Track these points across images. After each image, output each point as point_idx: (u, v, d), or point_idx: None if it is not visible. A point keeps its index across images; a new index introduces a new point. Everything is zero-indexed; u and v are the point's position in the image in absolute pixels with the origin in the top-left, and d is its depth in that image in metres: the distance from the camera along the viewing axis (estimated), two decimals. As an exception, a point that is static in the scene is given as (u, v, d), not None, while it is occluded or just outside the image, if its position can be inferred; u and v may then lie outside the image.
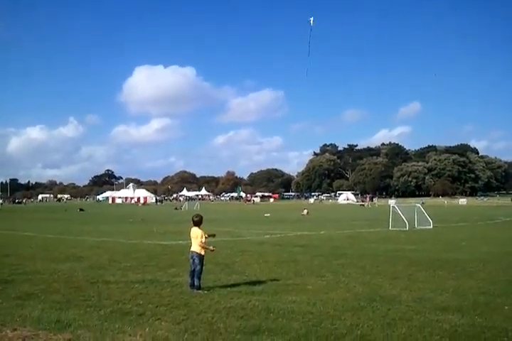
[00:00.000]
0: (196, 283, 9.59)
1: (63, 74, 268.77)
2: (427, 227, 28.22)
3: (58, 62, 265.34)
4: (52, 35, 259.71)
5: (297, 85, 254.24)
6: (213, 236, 10.57)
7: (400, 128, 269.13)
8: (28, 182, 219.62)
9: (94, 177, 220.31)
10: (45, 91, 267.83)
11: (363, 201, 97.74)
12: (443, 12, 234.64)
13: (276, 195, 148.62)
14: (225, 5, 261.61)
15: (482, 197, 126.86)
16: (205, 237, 9.84)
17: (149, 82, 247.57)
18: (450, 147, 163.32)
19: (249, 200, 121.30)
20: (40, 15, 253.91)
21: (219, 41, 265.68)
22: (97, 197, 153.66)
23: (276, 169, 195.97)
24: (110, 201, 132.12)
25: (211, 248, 9.80)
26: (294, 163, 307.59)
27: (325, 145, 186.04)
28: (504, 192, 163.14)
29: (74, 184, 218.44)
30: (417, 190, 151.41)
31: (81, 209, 67.34)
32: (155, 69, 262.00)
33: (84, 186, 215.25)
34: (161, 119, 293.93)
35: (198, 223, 9.86)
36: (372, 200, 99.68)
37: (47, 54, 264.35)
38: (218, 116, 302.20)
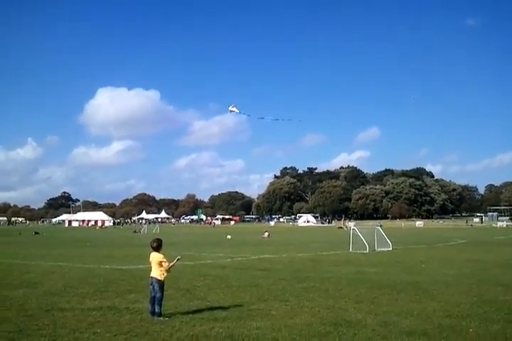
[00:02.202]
0: (157, 309, 9.25)
1: (23, 94, 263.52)
2: (387, 249, 28.44)
3: (18, 81, 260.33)
4: (12, 53, 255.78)
5: (260, 110, 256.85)
6: (178, 260, 10.12)
7: (358, 152, 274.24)
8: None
9: (50, 199, 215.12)
10: (4, 111, 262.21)
11: (340, 224, 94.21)
12: (403, 37, 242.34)
13: (237, 218, 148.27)
14: (189, 27, 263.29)
15: (438, 220, 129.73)
16: (170, 266, 9.53)
17: (112, 104, 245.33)
18: (407, 171, 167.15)
19: (210, 223, 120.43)
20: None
21: (184, 64, 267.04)
22: (53, 220, 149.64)
23: (237, 192, 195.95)
24: (66, 224, 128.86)
25: (165, 274, 9.43)
26: (255, 185, 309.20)
27: (285, 168, 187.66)
28: (459, 214, 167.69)
29: (29, 206, 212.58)
30: (374, 213, 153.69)
31: (36, 233, 65.31)
32: (118, 92, 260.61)
33: (39, 209, 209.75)
34: (123, 141, 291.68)
35: (157, 248, 9.56)
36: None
37: (6, 74, 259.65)
38: (181, 138, 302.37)
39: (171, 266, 9.61)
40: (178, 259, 9.84)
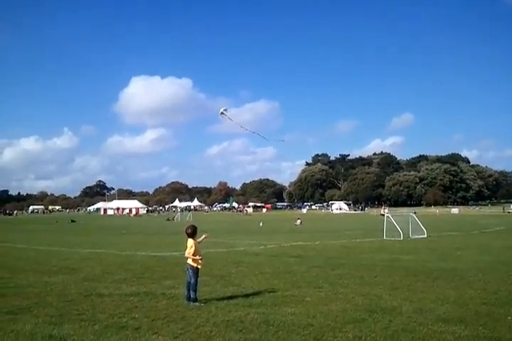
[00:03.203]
0: (192, 295, 9.40)
1: (59, 84, 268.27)
2: (422, 236, 28.13)
3: (53, 71, 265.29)
4: (47, 44, 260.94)
5: (292, 96, 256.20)
6: (206, 237, 10.37)
7: (392, 138, 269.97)
8: (19, 193, 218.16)
9: (86, 188, 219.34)
10: (40, 101, 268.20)
11: (381, 211, 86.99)
12: (439, 22, 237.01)
13: (269, 205, 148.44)
14: (222, 17, 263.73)
15: (474, 206, 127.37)
16: (199, 242, 9.86)
17: (146, 92, 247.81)
18: (441, 156, 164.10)
19: (242, 210, 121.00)
20: (35, 23, 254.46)
21: (216, 52, 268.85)
22: (89, 208, 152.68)
23: (268, 179, 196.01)
24: (102, 212, 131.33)
25: (198, 257, 9.59)
26: (287, 173, 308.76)
27: (317, 155, 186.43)
28: (495, 201, 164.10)
29: (65, 195, 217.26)
30: (408, 200, 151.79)
31: (72, 221, 66.88)
32: (152, 80, 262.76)
33: (75, 197, 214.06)
34: (156, 130, 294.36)
35: (191, 234, 9.68)
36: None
37: (42, 63, 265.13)
38: (213, 126, 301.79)
39: (200, 241, 9.93)
40: (205, 237, 10.19)
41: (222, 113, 14.85)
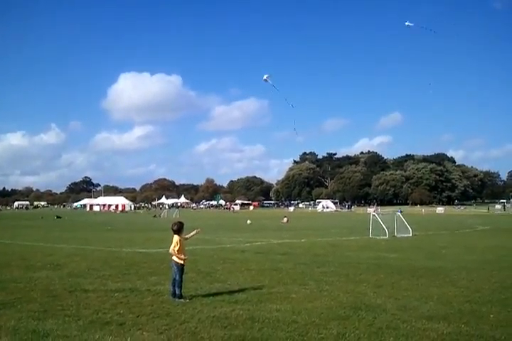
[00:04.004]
0: (177, 291, 9.39)
1: (47, 79, 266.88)
2: (407, 235, 28.33)
3: (42, 67, 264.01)
4: (35, 40, 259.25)
5: (281, 94, 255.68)
6: (197, 232, 10.40)
7: (379, 137, 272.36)
8: (4, 188, 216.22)
9: (72, 184, 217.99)
10: (28, 97, 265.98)
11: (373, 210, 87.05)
12: (428, 21, 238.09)
13: (256, 203, 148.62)
14: (213, 14, 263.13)
15: (459, 206, 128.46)
16: (188, 237, 10.02)
17: (135, 89, 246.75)
18: (428, 156, 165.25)
19: (229, 208, 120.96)
20: (23, 20, 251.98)
21: (206, 49, 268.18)
22: (74, 204, 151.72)
23: (255, 177, 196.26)
24: (88, 208, 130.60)
25: (182, 257, 9.60)
26: (275, 171, 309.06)
27: (305, 153, 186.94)
28: (480, 201, 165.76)
29: (51, 191, 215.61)
30: (394, 199, 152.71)
31: (58, 217, 66.37)
32: (141, 77, 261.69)
33: (61, 193, 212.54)
34: (144, 127, 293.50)
35: (177, 231, 9.67)
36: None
37: (30, 59, 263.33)
38: (202, 124, 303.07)
39: (190, 237, 10.10)
40: (197, 232, 10.28)
41: (265, 80, 15.19)
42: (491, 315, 8.24)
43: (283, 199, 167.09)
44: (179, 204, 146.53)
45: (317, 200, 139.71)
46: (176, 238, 9.58)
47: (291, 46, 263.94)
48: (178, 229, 9.66)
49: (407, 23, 25.90)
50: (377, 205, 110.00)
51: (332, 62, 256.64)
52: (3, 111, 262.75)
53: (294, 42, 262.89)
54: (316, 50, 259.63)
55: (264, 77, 15.25)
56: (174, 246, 9.52)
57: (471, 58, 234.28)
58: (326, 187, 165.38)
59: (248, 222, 48.60)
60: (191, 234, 10.21)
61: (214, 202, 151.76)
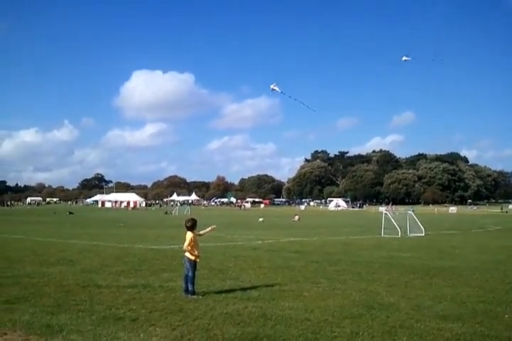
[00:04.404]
0: (190, 288, 9.41)
1: (60, 76, 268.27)
2: (419, 235, 28.16)
3: (55, 64, 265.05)
4: (49, 37, 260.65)
5: (293, 93, 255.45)
6: (212, 229, 10.46)
7: (392, 136, 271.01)
8: (17, 184, 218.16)
9: (84, 180, 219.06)
10: (41, 93, 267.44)
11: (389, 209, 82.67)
12: (440, 22, 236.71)
13: (267, 201, 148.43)
14: (225, 12, 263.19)
15: (472, 206, 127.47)
16: (202, 234, 10.14)
17: (147, 86, 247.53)
18: (440, 155, 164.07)
19: (240, 206, 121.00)
20: (35, 17, 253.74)
21: (218, 48, 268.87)
22: (86, 200, 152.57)
23: (267, 175, 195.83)
24: (99, 205, 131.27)
25: (196, 253, 9.63)
26: (286, 169, 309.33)
27: (316, 151, 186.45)
28: (493, 200, 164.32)
29: (63, 187, 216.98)
30: (406, 198, 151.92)
31: (70, 213, 66.86)
32: (153, 74, 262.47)
33: (73, 189, 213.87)
34: (156, 124, 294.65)
35: (191, 227, 9.69)
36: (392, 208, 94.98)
37: (43, 56, 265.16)
38: (214, 121, 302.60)
39: (203, 234, 10.22)
40: (213, 228, 10.42)
41: (272, 89, 15.27)
42: (506, 316, 8.15)
43: (294, 197, 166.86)
44: (190, 201, 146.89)
45: (328, 199, 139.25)
46: (189, 234, 9.59)
47: (304, 45, 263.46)
48: (192, 225, 9.68)
49: (404, 58, 26.06)
50: (392, 204, 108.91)
51: (345, 61, 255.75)
52: (17, 108, 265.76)
53: (307, 41, 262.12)
54: (329, 49, 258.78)
55: (272, 86, 15.27)
56: (189, 243, 9.53)
57: (486, 58, 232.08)
58: (338, 185, 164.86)
59: (260, 219, 48.64)
60: (206, 230, 10.27)
61: (225, 200, 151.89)
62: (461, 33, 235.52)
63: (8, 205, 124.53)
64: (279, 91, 15.22)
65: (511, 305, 8.96)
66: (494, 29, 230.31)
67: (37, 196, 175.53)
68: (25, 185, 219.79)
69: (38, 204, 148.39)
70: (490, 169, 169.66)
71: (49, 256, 16.05)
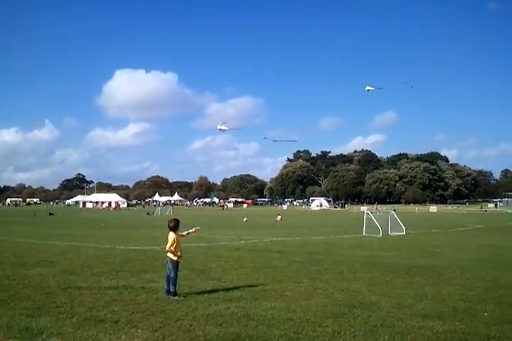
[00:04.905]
0: (172, 289, 9.37)
1: (41, 75, 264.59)
2: (400, 234, 28.40)
3: (37, 63, 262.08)
4: (30, 37, 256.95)
5: (277, 93, 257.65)
6: (196, 231, 10.42)
7: (374, 136, 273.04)
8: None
9: (65, 181, 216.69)
10: (22, 93, 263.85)
11: (372, 208, 71.56)
12: (426, 20, 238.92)
13: (250, 201, 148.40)
14: (209, 12, 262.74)
15: (452, 205, 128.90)
16: (184, 234, 10.07)
17: (130, 86, 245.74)
18: (421, 155, 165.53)
19: (222, 206, 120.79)
20: (18, 17, 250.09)
21: (201, 47, 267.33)
22: (67, 201, 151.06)
23: (249, 175, 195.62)
24: (81, 205, 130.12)
25: (178, 254, 9.60)
26: (269, 169, 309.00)
27: (298, 151, 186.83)
28: (473, 200, 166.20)
29: (43, 188, 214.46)
30: (388, 197, 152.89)
31: (50, 214, 66.18)
32: (136, 74, 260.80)
33: (54, 190, 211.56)
34: (139, 124, 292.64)
35: (173, 228, 9.65)
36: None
37: (25, 55, 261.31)
38: (197, 121, 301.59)
39: (186, 235, 10.17)
40: (196, 229, 10.35)
41: (220, 129, 15.32)
42: (485, 313, 8.26)
43: (277, 197, 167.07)
44: (172, 201, 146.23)
45: (311, 198, 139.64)
46: (172, 235, 9.55)
47: (288, 44, 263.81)
48: (175, 226, 9.63)
49: (367, 88, 26.59)
50: (378, 204, 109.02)
51: (327, 61, 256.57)
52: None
53: (291, 41, 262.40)
54: (313, 49, 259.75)
55: (219, 126, 15.32)
56: (171, 244, 9.49)
57: (466, 58, 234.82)
58: (320, 185, 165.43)
59: (244, 219, 48.81)
60: (188, 231, 10.22)
61: (208, 200, 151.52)
62: (447, 31, 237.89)
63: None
64: (227, 129, 15.30)
65: (490, 303, 9.08)
66: (484, 28, 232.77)
67: (17, 197, 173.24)
68: (4, 186, 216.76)
69: (16, 204, 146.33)
70: (470, 168, 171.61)
71: (29, 257, 15.84)
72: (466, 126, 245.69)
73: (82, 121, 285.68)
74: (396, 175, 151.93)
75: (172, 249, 9.49)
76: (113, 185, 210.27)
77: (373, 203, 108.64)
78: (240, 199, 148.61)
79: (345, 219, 56.88)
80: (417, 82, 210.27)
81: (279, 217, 50.66)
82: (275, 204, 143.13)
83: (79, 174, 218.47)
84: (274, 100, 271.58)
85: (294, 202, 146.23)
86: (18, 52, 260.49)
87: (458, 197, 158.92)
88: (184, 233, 10.10)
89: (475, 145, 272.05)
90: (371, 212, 31.28)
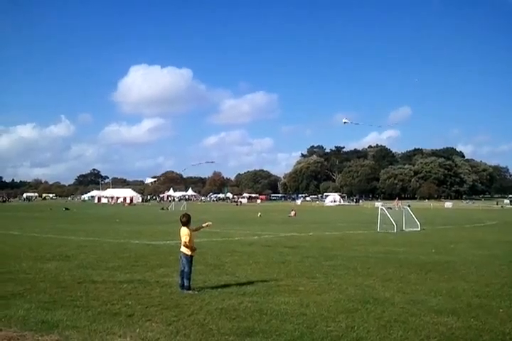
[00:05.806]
0: (186, 283, 9.42)
1: (58, 72, 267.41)
2: (415, 230, 28.25)
3: (53, 59, 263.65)
4: (46, 33, 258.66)
5: (291, 88, 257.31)
6: (207, 226, 10.46)
7: (389, 131, 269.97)
8: (13, 180, 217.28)
9: (80, 176, 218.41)
10: (38, 89, 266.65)
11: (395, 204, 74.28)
12: (436, 18, 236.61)
13: (264, 196, 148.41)
14: (222, 6, 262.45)
15: (467, 201, 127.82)
16: (197, 229, 10.24)
17: (145, 81, 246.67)
18: (436, 150, 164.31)
19: (236, 201, 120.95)
20: (34, 13, 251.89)
21: (216, 43, 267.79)
22: (83, 196, 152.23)
23: (263, 170, 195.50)
24: (96, 200, 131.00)
25: (194, 247, 9.69)
26: (283, 164, 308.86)
27: (312, 147, 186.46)
28: (489, 195, 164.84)
29: (59, 183, 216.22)
30: (402, 193, 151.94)
31: (66, 209, 66.71)
32: (151, 69, 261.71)
33: (69, 185, 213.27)
34: (154, 119, 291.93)
35: (185, 223, 9.70)
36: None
37: (41, 52, 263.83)
38: (211, 117, 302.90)
39: (198, 229, 10.33)
40: (207, 225, 10.39)
41: (345, 122, 15.95)
42: (501, 310, 8.19)
43: (290, 192, 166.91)
44: (187, 197, 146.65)
45: (324, 194, 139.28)
46: (185, 230, 9.60)
47: (302, 40, 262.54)
48: (187, 220, 9.69)
49: (344, 121, 27.16)
50: (399, 199, 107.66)
51: (342, 56, 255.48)
52: (14, 103, 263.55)
53: (305, 36, 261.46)
54: (327, 45, 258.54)
55: (344, 120, 15.87)
56: (190, 239, 9.55)
57: (479, 54, 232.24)
58: (334, 180, 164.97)
59: (259, 214, 49.24)
60: (200, 226, 10.27)
61: (221, 195, 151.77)
62: (459, 27, 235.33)
63: (3, 201, 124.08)
64: (349, 121, 15.91)
65: (506, 300, 9.00)
66: (494, 24, 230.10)
67: (33, 192, 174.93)
68: (21, 181, 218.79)
69: (30, 200, 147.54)
70: (486, 164, 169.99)
71: (45, 251, 16.04)
72: (481, 121, 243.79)
73: (97, 116, 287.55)
74: (411, 170, 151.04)
75: (187, 243, 9.55)
76: (128, 180, 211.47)
77: (392, 199, 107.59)
78: (253, 195, 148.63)
79: (359, 214, 56.70)
80: (430, 78, 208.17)
81: (292, 213, 50.63)
82: (289, 200, 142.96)
83: (94, 169, 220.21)
84: (287, 95, 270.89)
85: (308, 198, 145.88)
86: (34, 49, 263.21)
87: (473, 192, 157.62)
88: (196, 228, 10.16)
89: (490, 141, 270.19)
90: (390, 208, 31.12)
